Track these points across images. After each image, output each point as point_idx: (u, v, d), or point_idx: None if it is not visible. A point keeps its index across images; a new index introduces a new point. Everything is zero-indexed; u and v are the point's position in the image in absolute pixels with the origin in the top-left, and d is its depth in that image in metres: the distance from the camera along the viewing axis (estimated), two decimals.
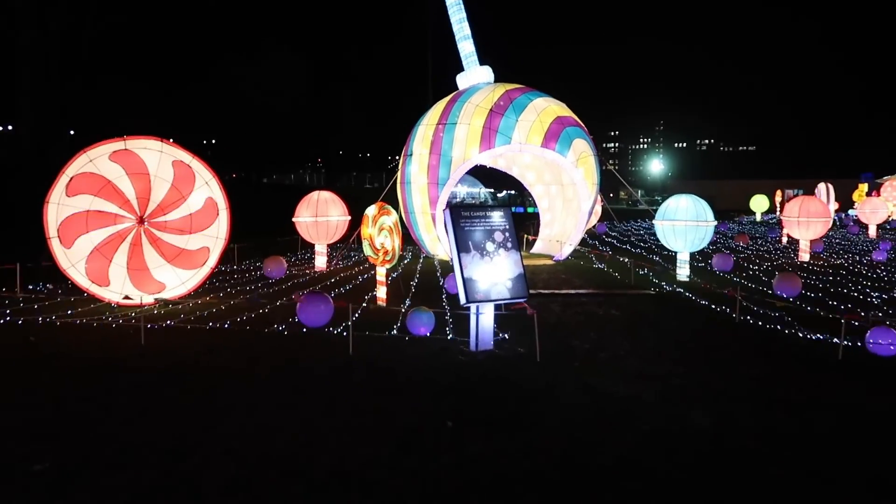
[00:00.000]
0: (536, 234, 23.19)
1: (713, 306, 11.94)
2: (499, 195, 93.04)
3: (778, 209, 47.73)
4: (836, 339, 8.97)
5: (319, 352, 8.62)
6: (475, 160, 18.79)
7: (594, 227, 31.92)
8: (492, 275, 8.47)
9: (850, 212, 44.51)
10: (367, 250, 11.64)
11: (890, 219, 36.00)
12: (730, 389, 7.25)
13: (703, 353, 8.87)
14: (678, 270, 15.79)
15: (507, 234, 8.73)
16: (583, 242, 23.42)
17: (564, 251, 20.01)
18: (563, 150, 18.57)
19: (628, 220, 41.70)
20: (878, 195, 38.53)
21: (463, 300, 8.28)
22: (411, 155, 19.59)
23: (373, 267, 16.71)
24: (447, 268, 16.36)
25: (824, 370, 8.06)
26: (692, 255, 15.97)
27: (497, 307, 8.92)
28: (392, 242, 11.56)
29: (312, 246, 17.62)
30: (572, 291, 13.83)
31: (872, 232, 30.67)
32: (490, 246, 8.56)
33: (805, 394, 7.12)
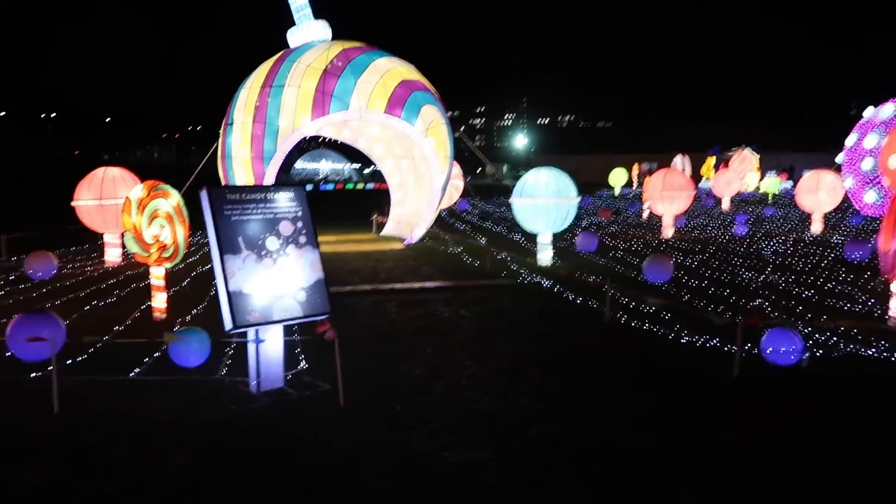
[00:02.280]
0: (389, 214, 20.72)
1: (579, 300, 9.99)
2: (365, 171, 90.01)
3: (635, 183, 48.16)
4: (729, 346, 7.15)
5: (7, 411, 5.68)
6: (306, 130, 15.95)
7: (454, 204, 29.98)
8: (275, 285, 5.86)
9: (701, 185, 45.44)
10: (131, 246, 8.64)
11: (742, 192, 36.65)
12: (607, 446, 5.10)
13: (571, 374, 6.75)
14: (539, 255, 13.86)
15: (298, 225, 6.14)
16: (441, 223, 21.24)
17: (416, 234, 17.68)
18: (411, 118, 16.14)
19: (494, 196, 40.17)
20: (727, 168, 39.23)
21: (228, 324, 5.63)
22: (232, 123, 16.44)
23: (198, 261, 13.61)
24: None
25: (725, 394, 6.15)
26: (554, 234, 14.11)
27: (290, 329, 6.33)
28: (173, 234, 8.65)
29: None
30: (416, 285, 11.47)
31: (726, 205, 30.74)
32: (272, 243, 5.93)
33: (720, 445, 5.10)
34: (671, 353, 7.43)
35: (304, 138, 18.50)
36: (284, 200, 6.12)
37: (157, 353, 6.92)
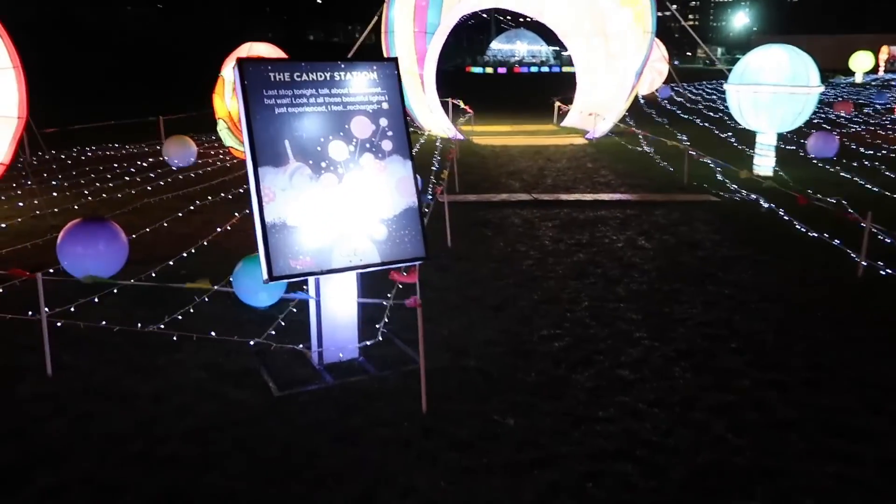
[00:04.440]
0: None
1: (814, 234, 7.08)
2: (564, 53, 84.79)
3: (882, 68, 40.01)
4: None
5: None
6: (474, 0, 13.51)
7: (656, 91, 26.19)
8: (339, 214, 3.89)
9: None
10: (225, 137, 7.05)
11: None
12: None
13: (803, 371, 4.23)
14: (757, 161, 10.70)
15: (382, 123, 4.04)
16: (635, 113, 18.09)
17: (601, 127, 14.91)
18: None
19: (702, 81, 35.09)
20: None
21: (265, 274, 3.78)
22: None
23: None
24: (449, 150, 11.58)
25: None
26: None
27: (364, 278, 4.38)
28: None
29: None
30: (586, 198, 9.05)
31: None
32: (339, 150, 3.91)
33: None
34: None
35: (496, 16, 16.08)
36: (362, 84, 4.01)
37: (204, 296, 5.25)
